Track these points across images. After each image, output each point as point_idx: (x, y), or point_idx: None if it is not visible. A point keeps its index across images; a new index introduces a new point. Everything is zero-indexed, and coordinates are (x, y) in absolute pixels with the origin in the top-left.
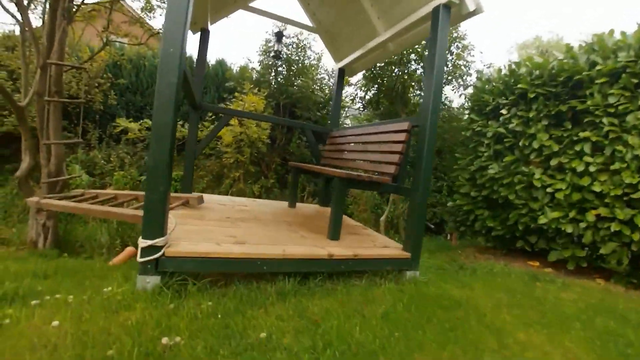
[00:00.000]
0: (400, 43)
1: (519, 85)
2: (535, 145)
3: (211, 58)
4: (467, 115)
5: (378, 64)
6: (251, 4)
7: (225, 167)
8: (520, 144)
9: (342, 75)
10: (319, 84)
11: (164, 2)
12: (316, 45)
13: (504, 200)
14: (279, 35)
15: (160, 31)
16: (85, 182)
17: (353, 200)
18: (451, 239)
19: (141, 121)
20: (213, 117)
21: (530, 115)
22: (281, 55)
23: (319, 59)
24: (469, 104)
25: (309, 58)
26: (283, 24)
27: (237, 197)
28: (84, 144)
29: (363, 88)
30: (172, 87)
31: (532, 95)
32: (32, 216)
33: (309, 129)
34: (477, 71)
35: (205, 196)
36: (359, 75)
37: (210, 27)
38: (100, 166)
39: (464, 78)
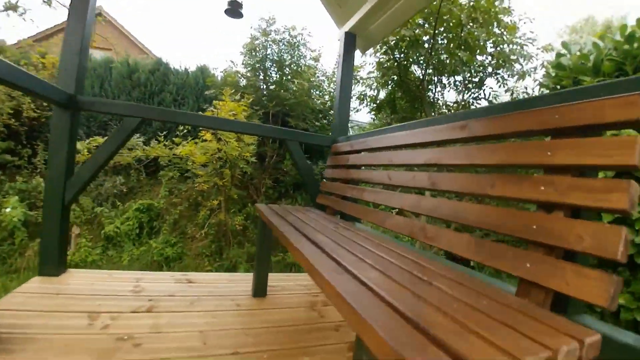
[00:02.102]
0: None
1: None
2: None
3: (191, 65)
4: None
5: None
6: None
7: (203, 193)
8: None
9: (352, 43)
10: (318, 89)
11: None
12: (313, 41)
13: None
14: None
15: None
16: (17, 219)
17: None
18: None
19: (89, 140)
20: (184, 131)
21: None
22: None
23: (316, 59)
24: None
25: (304, 57)
26: (271, 18)
27: (139, 276)
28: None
29: (376, 83)
30: None
31: None
32: None
33: (295, 140)
34: (563, 43)
35: (76, 273)
36: (369, 67)
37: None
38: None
39: (522, 62)
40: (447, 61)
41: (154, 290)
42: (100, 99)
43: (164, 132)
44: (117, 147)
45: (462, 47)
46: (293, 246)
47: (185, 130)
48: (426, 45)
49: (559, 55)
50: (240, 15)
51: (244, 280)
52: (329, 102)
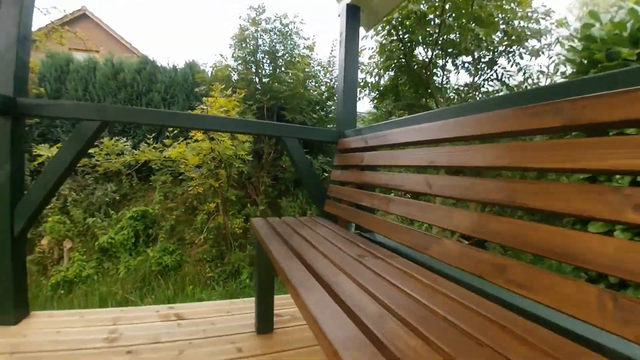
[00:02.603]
0: None
1: None
2: None
3: (180, 61)
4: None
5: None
6: None
7: (199, 196)
8: None
9: (355, 17)
10: (314, 79)
11: None
12: (306, 29)
13: None
14: None
15: None
16: None
17: None
18: None
19: None
20: (175, 132)
21: None
22: None
23: (310, 48)
24: (573, 72)
25: (297, 47)
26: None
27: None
28: None
29: (377, 69)
30: None
31: None
32: None
33: (294, 137)
34: (590, 12)
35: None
36: (369, 51)
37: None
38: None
39: (537, 38)
40: (457, 40)
41: (135, 335)
42: (48, 100)
43: (153, 134)
44: (75, 159)
45: (473, 23)
46: (299, 298)
47: (175, 131)
48: (433, 23)
49: (587, 25)
50: None
51: (245, 309)
52: (325, 93)
